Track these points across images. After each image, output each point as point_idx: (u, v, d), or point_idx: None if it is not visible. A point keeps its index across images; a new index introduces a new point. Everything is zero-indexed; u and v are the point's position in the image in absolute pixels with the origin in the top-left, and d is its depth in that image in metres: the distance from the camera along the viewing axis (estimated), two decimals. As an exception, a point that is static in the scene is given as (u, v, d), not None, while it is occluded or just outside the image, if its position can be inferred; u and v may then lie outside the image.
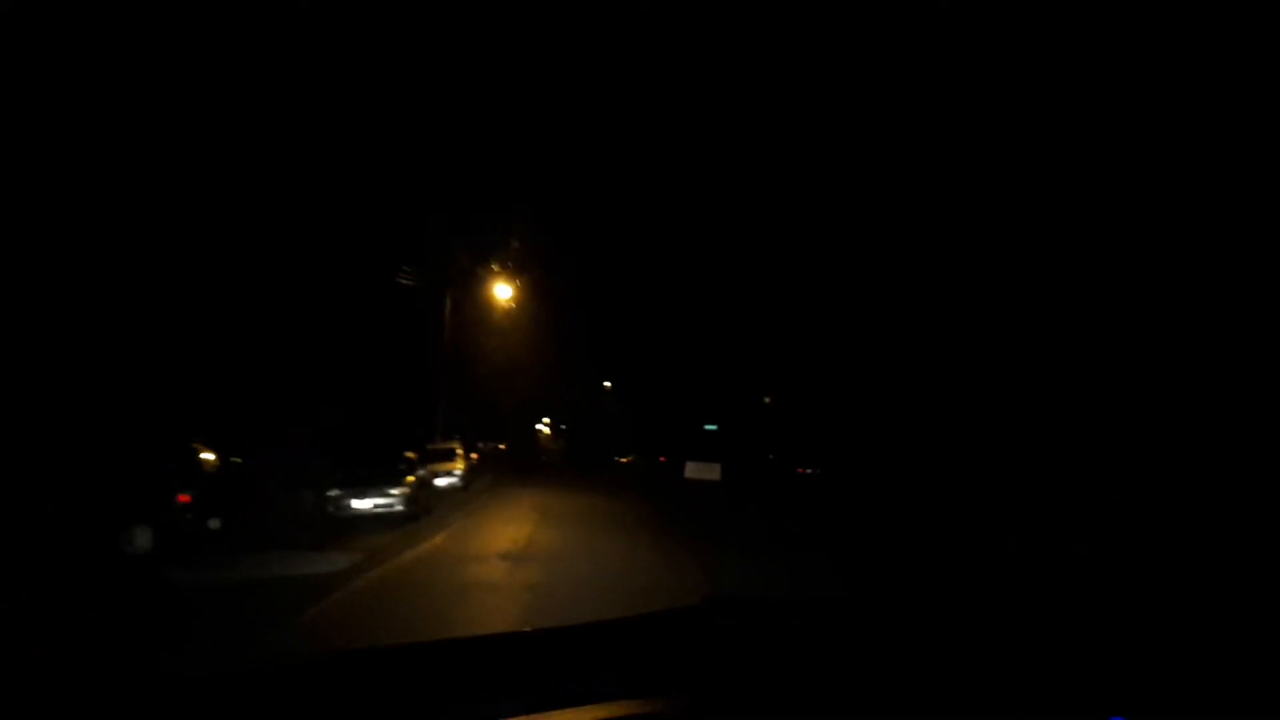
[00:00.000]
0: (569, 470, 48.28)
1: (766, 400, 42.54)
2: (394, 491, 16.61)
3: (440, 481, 28.02)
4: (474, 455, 43.94)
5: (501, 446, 67.12)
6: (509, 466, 50.13)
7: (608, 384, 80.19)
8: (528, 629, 2.25)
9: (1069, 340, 23.45)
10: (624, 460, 74.21)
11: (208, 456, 14.41)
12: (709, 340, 44.80)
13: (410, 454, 18.86)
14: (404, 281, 28.73)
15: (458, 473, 28.45)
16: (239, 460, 17.21)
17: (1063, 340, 23.65)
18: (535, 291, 37.36)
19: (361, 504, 16.41)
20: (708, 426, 44.21)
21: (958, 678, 1.74)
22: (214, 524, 12.77)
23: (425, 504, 18.48)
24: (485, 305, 35.80)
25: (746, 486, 37.57)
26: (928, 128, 31.63)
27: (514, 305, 35.27)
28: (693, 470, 41.13)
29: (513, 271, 34.05)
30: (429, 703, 1.61)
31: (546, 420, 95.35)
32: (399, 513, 16.52)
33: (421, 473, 18.08)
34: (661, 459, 66.18)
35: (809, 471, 43.87)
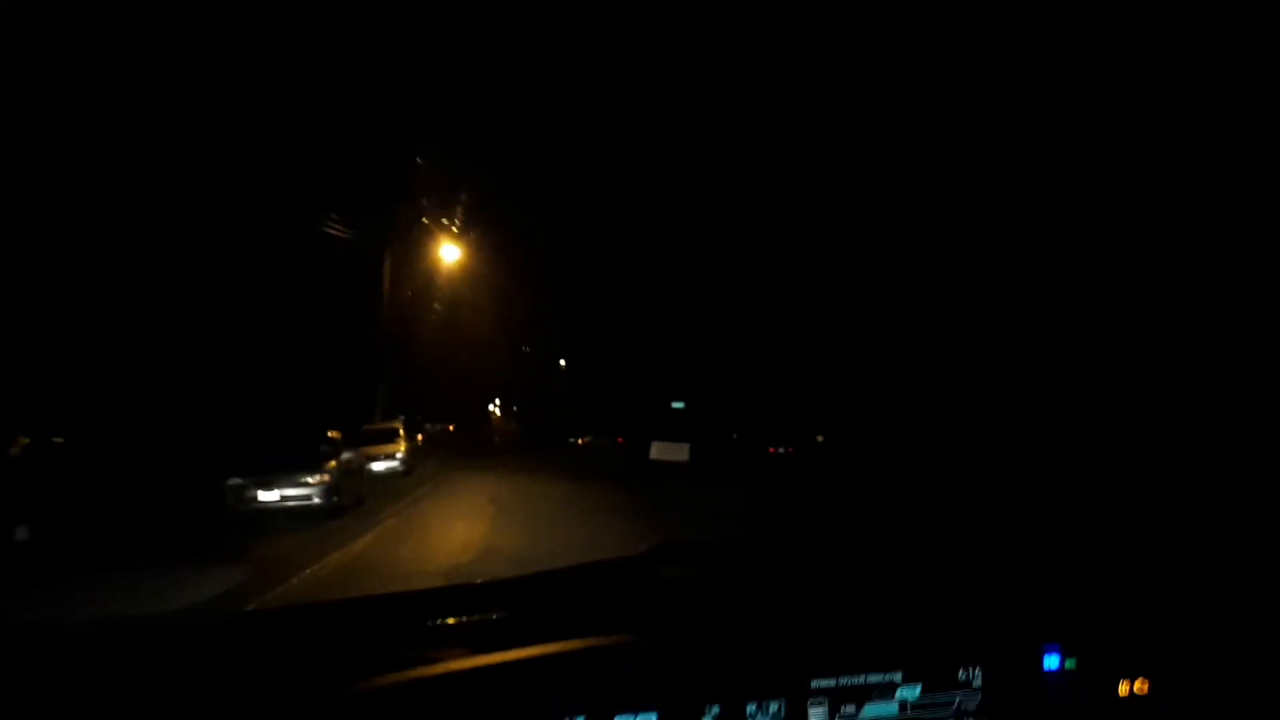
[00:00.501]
0: (523, 452, 44.88)
1: (746, 378, 39.52)
2: (310, 480, 13.16)
3: (378, 466, 24.52)
4: (419, 437, 40.45)
5: (450, 428, 63.59)
6: (458, 449, 46.60)
7: (563, 362, 76.83)
8: (476, 581, 1.92)
9: (1059, 328, 22.54)
10: (580, 442, 71.29)
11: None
12: (674, 315, 41.62)
13: (334, 434, 15.34)
14: (334, 232, 24.98)
15: (399, 455, 24.95)
16: (63, 441, 13.48)
17: (1053, 328, 22.75)
18: (486, 256, 33.76)
19: (268, 496, 12.94)
20: (675, 404, 41.08)
21: (890, 613, 1.73)
22: (21, 534, 9.19)
23: (354, 494, 15.05)
24: (431, 271, 32.17)
25: (718, 468, 34.63)
26: (912, 108, 30.09)
27: (463, 272, 31.66)
28: (659, 451, 38.00)
29: (461, 231, 30.46)
30: (376, 648, 1.53)
31: (498, 401, 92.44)
32: (317, 506, 13.10)
33: (348, 456, 14.59)
34: (619, 440, 63.49)
35: (781, 451, 41.04)
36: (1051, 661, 1.70)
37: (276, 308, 25.09)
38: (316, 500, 13.11)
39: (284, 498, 12.95)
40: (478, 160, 29.34)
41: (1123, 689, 1.72)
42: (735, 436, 41.55)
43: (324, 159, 26.12)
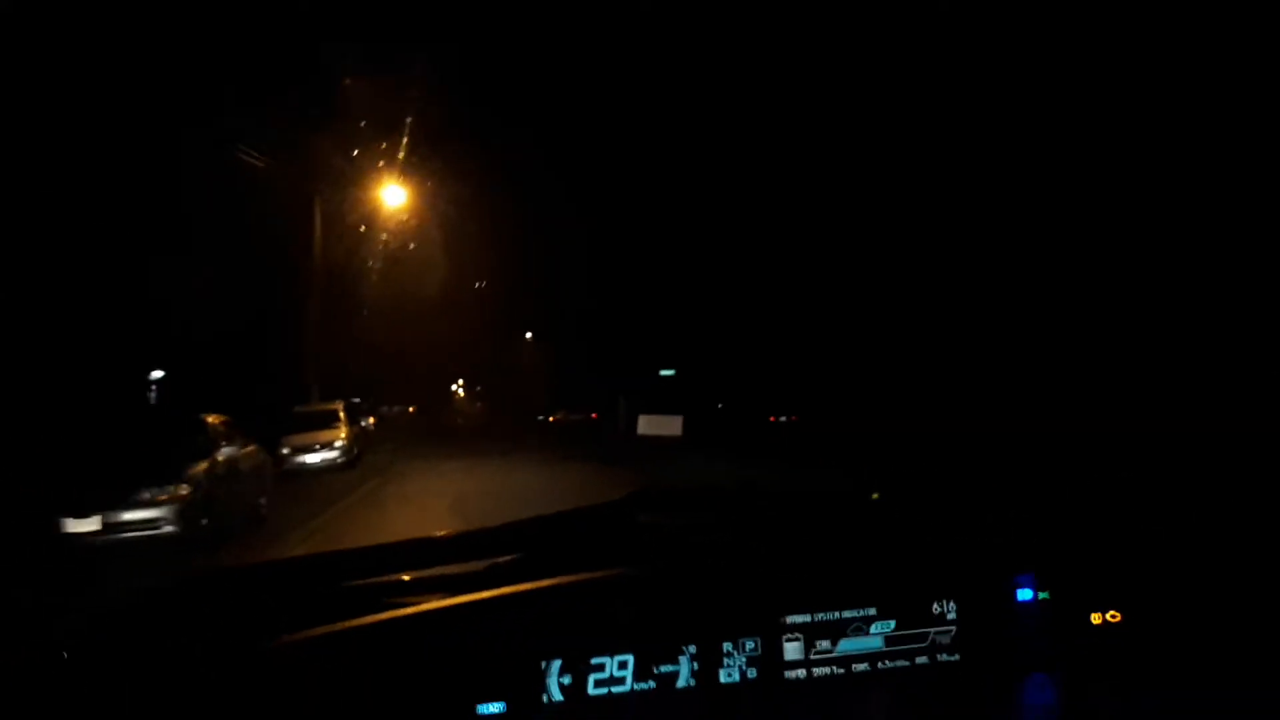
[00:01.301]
0: (490, 434, 39.77)
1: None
2: (158, 496, 8.18)
3: (310, 459, 19.57)
4: (372, 420, 35.31)
5: (411, 410, 58.73)
6: (418, 434, 41.63)
7: (529, 335, 71.81)
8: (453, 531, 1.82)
9: (1070, 306, 22.24)
10: (551, 419, 66.51)
11: None
12: (660, 271, 36.45)
13: (215, 418, 10.24)
14: (249, 159, 19.76)
15: (338, 445, 19.93)
16: None
17: (1064, 305, 22.32)
18: (443, 206, 28.48)
19: (83, 525, 7.93)
20: (664, 372, 36.12)
21: (863, 549, 1.75)
22: None
23: (246, 505, 10.08)
24: (376, 223, 26.90)
25: (716, 441, 30.09)
26: (908, 77, 28.18)
27: (416, 225, 26.41)
28: (647, 425, 33.10)
29: (413, 172, 25.17)
30: (349, 597, 1.55)
31: (462, 382, 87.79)
32: (169, 535, 8.14)
33: (230, 451, 9.51)
34: (593, 415, 58.97)
35: (784, 419, 36.47)
36: (1025, 593, 1.71)
37: (167, 261, 19.84)
38: (168, 527, 8.14)
39: (112, 526, 7.97)
40: (430, 82, 24.12)
41: (1095, 619, 1.72)
42: (721, 406, 36.72)
43: (233, 72, 20.84)
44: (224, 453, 9.39)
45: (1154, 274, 18.97)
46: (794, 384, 35.85)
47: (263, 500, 10.75)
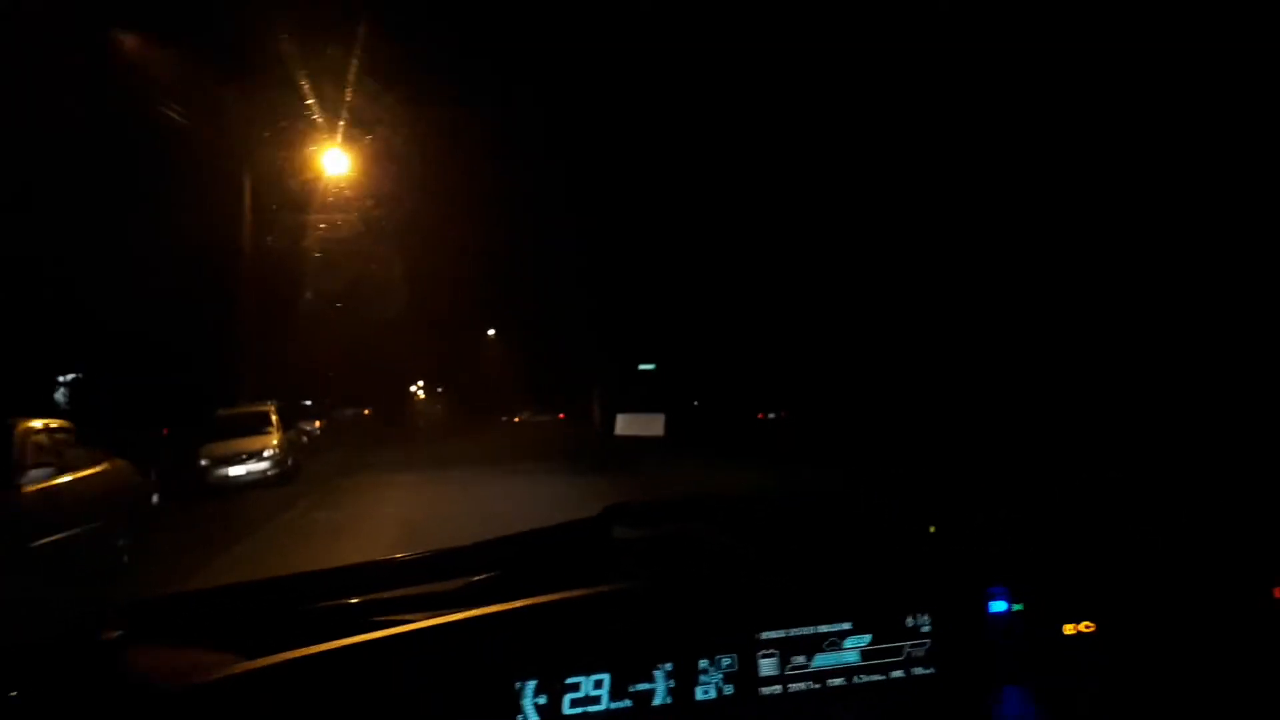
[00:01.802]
0: (451, 436, 36.51)
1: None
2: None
3: (235, 472, 16.36)
4: (318, 424, 31.90)
5: (366, 412, 55.05)
6: (375, 436, 38.36)
7: (492, 332, 68.62)
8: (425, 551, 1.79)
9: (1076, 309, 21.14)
10: (515, 420, 63.49)
11: None
12: (631, 259, 33.13)
13: (32, 426, 6.82)
14: (169, 115, 16.42)
15: (268, 454, 16.65)
16: None
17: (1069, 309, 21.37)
18: (393, 179, 25.07)
19: None
20: (643, 366, 32.89)
21: (838, 563, 1.77)
22: None
23: (80, 554, 6.80)
24: (317, 200, 23.44)
25: (701, 441, 27.31)
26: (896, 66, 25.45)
27: (362, 200, 22.96)
28: (626, 425, 29.82)
29: (355, 138, 21.80)
30: (328, 618, 1.57)
31: (422, 383, 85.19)
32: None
33: (44, 474, 6.14)
34: (560, 415, 56.30)
35: (773, 416, 33.60)
36: (998, 605, 1.70)
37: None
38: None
39: None
40: (384, 42, 20.78)
41: (1068, 630, 1.72)
42: (705, 403, 33.68)
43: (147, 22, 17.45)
44: (35, 476, 6.16)
45: (1136, 275, 18.83)
46: (782, 378, 32.96)
47: (122, 541, 7.53)
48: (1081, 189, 20.47)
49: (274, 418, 17.81)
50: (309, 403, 47.76)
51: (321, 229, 21.94)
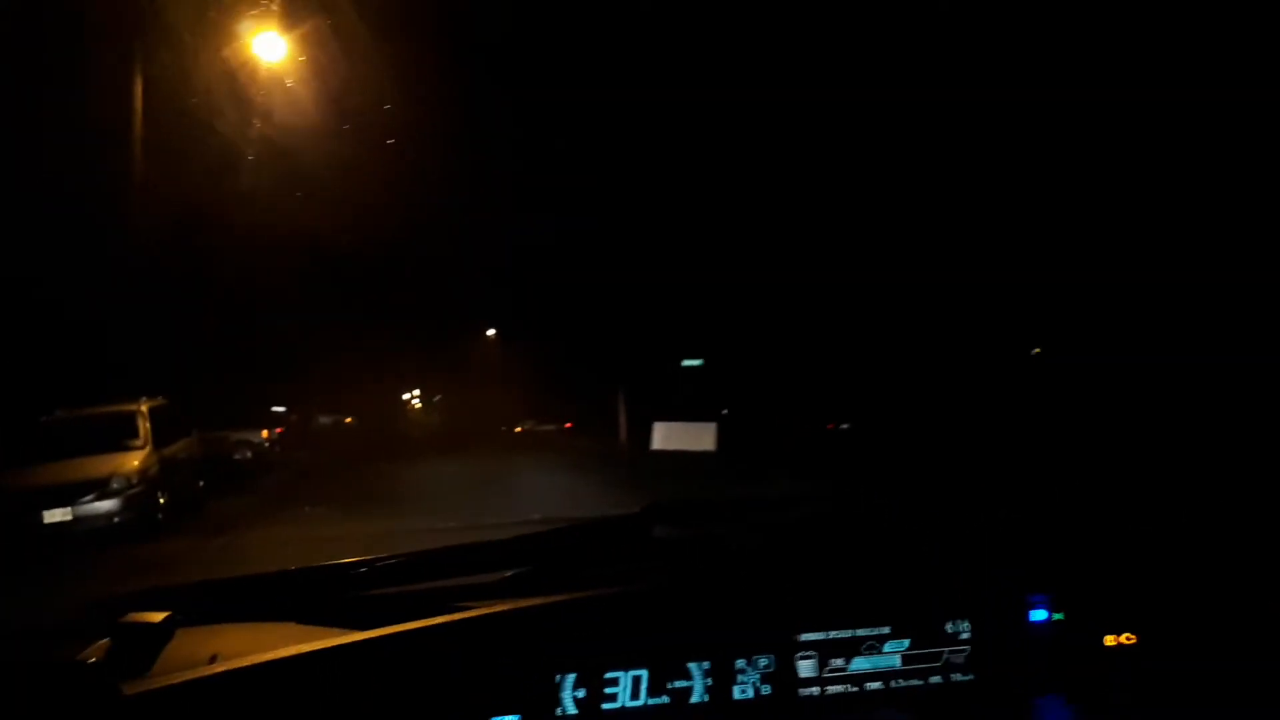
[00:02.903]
0: (447, 449, 29.51)
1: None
2: None
3: (56, 517, 9.51)
4: (265, 434, 24.89)
5: (348, 420, 48.56)
6: (354, 448, 31.64)
7: (491, 332, 62.41)
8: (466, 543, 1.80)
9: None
10: (517, 430, 57.30)
11: None
12: (665, 227, 26.05)
13: None
14: None
15: (117, 487, 9.83)
16: None
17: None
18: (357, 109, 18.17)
19: None
20: (688, 362, 25.69)
21: (879, 567, 1.75)
22: None
23: None
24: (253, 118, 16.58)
25: (766, 458, 21.08)
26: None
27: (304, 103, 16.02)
28: (666, 437, 23.14)
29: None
30: (371, 607, 1.59)
31: (418, 392, 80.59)
32: None
33: None
34: (567, 425, 50.44)
35: (845, 427, 26.85)
36: (1039, 614, 1.70)
37: None
38: None
39: None
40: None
41: (1109, 641, 1.72)
42: (762, 410, 26.70)
43: None
44: None
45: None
46: (856, 380, 26.20)
47: None
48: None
49: (143, 425, 11.02)
50: (281, 409, 41.51)
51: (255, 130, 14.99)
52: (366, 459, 24.12)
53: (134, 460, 10.27)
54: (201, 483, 13.10)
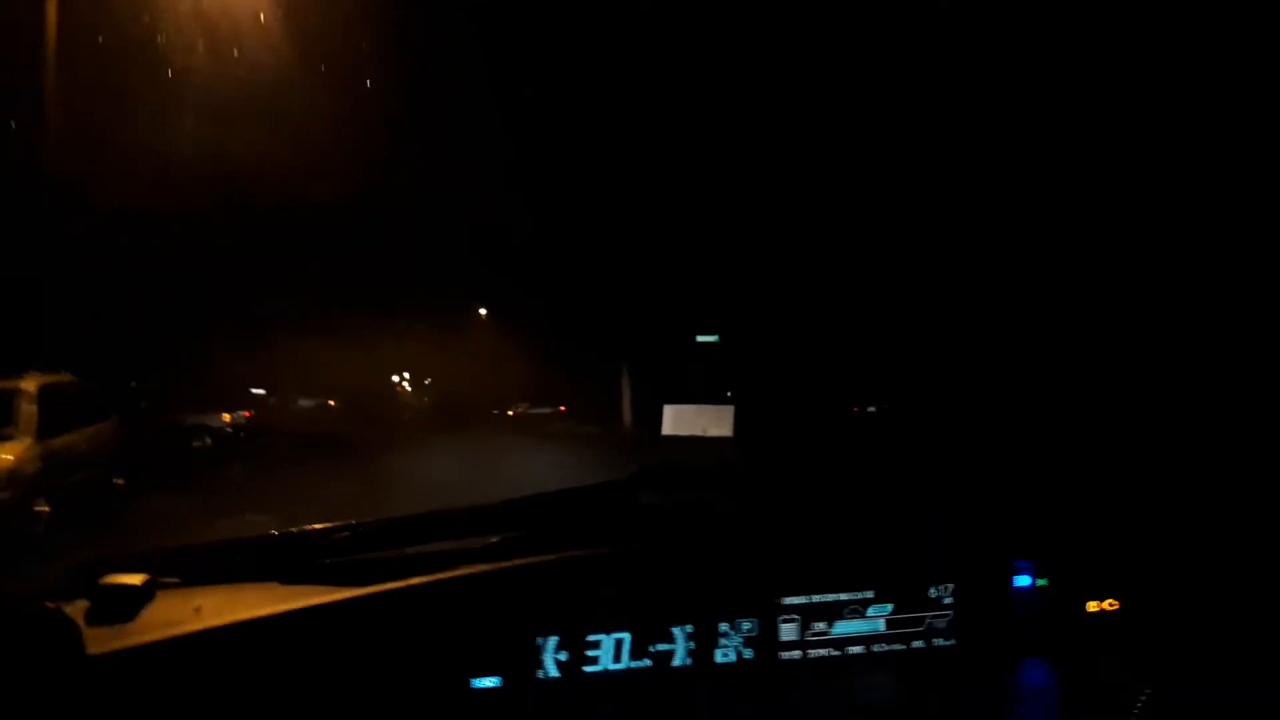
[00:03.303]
0: (437, 432, 26.95)
1: None
2: None
3: None
4: (227, 418, 22.47)
5: (331, 403, 46.09)
6: (333, 432, 28.93)
7: (483, 311, 60.24)
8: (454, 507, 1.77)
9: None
10: (511, 413, 55.64)
11: None
12: (672, 184, 23.35)
13: None
14: None
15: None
16: None
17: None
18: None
19: None
20: (702, 338, 22.93)
21: (862, 532, 1.75)
22: None
23: None
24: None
25: (790, 443, 18.71)
26: None
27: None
28: (677, 421, 20.61)
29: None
30: (359, 567, 1.54)
31: (407, 375, 78.69)
32: None
33: None
34: (562, 408, 48.72)
35: (871, 410, 24.44)
36: (1023, 580, 1.72)
37: None
38: None
39: None
40: None
41: (1092, 607, 1.74)
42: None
43: None
44: None
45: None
46: (885, 358, 23.80)
47: None
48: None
49: (26, 410, 8.44)
50: (260, 391, 39.94)
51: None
52: (346, 445, 21.59)
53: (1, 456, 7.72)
54: (120, 480, 10.56)
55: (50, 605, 1.31)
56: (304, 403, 40.63)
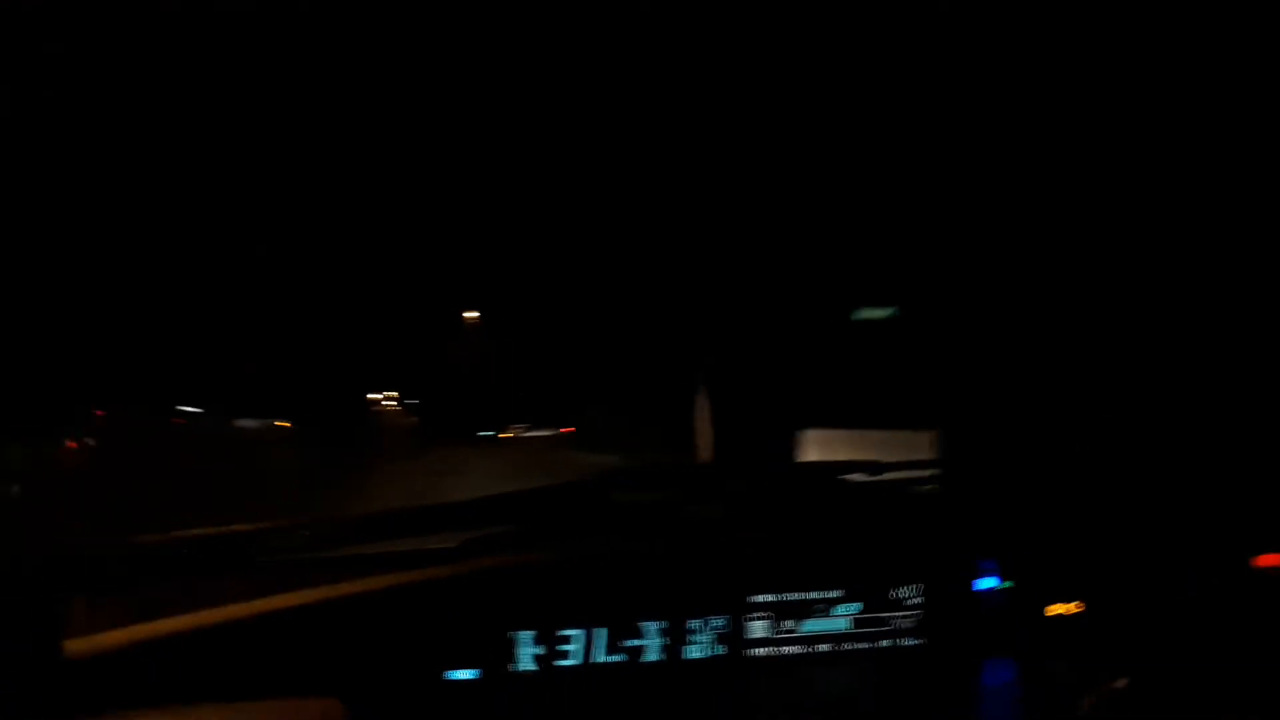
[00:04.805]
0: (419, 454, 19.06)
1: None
2: None
3: None
4: (88, 443, 14.27)
5: (281, 425, 38.23)
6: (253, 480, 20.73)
7: (474, 315, 52.88)
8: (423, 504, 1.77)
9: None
10: (504, 435, 49.19)
11: None
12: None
13: None
14: None
15: None
16: None
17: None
18: None
19: None
20: (866, 313, 14.75)
21: (831, 532, 1.79)
22: None
23: None
24: None
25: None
26: None
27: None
28: (829, 454, 11.33)
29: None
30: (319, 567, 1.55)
31: (396, 394, 72.20)
32: None
33: None
34: (563, 430, 42.11)
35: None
36: (987, 581, 1.74)
37: None
38: None
39: None
40: None
41: (1057, 609, 1.76)
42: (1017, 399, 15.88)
43: None
44: None
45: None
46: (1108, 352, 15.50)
47: None
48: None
49: None
50: (198, 411, 31.87)
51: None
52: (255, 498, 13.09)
53: None
54: None
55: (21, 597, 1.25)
56: (246, 423, 32.46)
